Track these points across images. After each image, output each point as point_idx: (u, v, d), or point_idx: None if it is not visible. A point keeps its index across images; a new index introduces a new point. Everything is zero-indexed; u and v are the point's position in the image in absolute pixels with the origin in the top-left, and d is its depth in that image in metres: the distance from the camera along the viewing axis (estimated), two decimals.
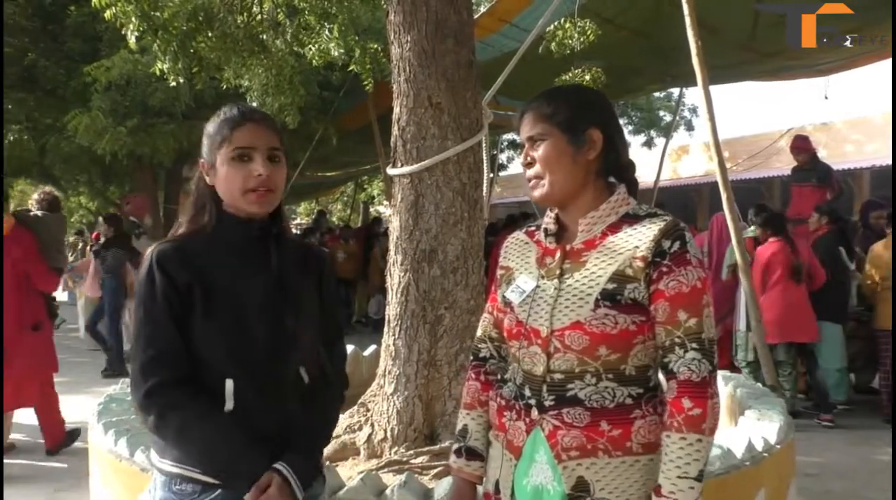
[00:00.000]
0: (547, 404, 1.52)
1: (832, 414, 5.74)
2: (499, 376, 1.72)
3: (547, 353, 1.51)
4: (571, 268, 1.54)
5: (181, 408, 1.53)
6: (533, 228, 1.72)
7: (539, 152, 1.56)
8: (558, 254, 1.58)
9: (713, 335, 1.48)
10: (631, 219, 1.54)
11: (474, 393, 1.74)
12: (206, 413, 1.54)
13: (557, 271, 1.55)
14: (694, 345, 1.45)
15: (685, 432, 1.42)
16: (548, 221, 1.64)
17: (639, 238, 1.49)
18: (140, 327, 1.56)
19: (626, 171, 1.61)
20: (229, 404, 1.56)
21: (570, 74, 5.54)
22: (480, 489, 1.73)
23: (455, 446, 1.73)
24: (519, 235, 1.74)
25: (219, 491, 1.54)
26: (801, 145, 7.58)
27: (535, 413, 1.53)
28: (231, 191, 1.62)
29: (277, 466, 1.56)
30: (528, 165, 1.59)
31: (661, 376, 1.54)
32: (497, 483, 1.63)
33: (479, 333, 1.81)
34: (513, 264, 1.69)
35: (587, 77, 5.44)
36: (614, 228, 1.54)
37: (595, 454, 1.48)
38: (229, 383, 1.56)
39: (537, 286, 1.57)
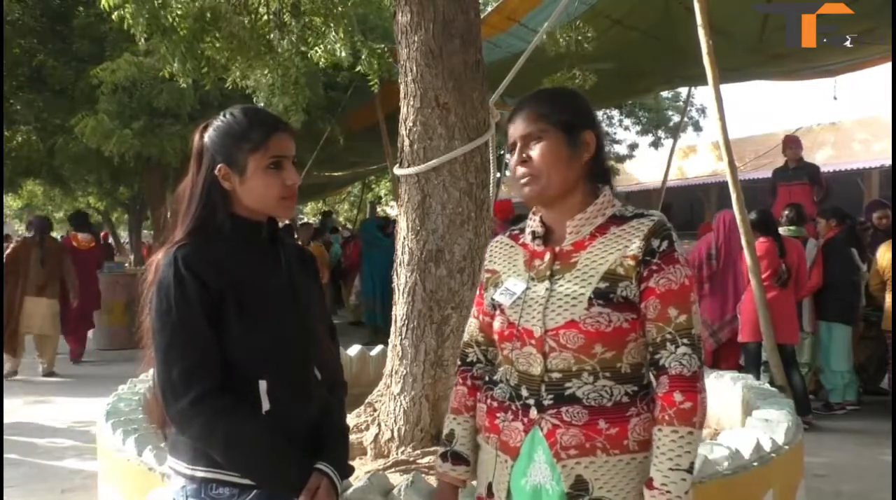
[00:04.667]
0: (546, 403, 1.53)
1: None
2: (486, 379, 1.73)
3: (543, 353, 1.54)
4: (562, 269, 1.57)
5: (230, 414, 1.50)
6: (516, 232, 1.74)
7: (536, 151, 1.57)
8: (548, 256, 1.60)
9: (700, 331, 1.52)
10: (618, 220, 1.57)
11: (461, 398, 1.76)
12: (253, 418, 1.53)
13: (548, 273, 1.58)
14: (685, 340, 1.49)
15: (676, 425, 1.45)
16: (533, 224, 1.66)
17: (628, 238, 1.53)
18: (172, 333, 1.50)
19: (608, 174, 1.65)
20: (266, 405, 1.55)
21: (560, 75, 5.49)
22: (462, 492, 1.75)
23: (441, 450, 1.76)
24: (502, 238, 1.77)
25: (254, 492, 1.53)
26: (796, 141, 7.71)
27: (533, 413, 1.55)
28: (266, 198, 1.61)
29: (322, 468, 1.57)
30: (524, 162, 1.59)
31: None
32: (490, 486, 1.64)
33: (465, 338, 1.82)
34: (499, 268, 1.71)
35: (577, 80, 5.38)
36: (602, 229, 1.57)
37: (593, 453, 1.50)
38: (262, 384, 1.55)
39: (527, 288, 1.59)
